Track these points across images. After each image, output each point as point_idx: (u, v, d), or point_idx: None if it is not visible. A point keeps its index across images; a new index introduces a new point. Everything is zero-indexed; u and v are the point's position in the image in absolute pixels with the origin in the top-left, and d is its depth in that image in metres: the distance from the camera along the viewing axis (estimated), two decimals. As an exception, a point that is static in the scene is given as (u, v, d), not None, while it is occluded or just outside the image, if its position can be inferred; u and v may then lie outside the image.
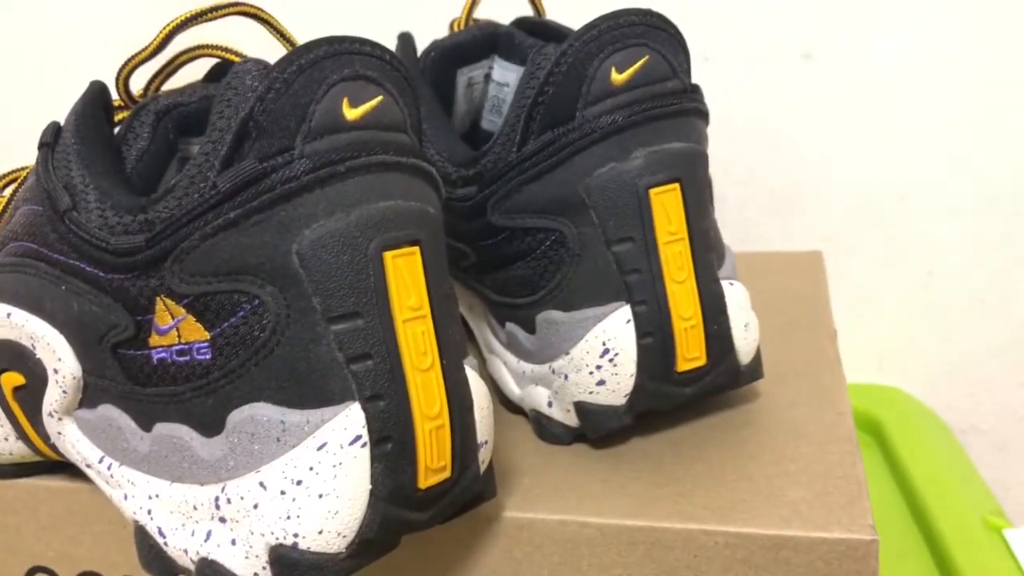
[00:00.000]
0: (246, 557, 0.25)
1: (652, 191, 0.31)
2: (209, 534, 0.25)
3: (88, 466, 0.29)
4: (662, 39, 0.31)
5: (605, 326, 0.31)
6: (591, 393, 0.32)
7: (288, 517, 0.24)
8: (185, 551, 0.26)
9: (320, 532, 0.24)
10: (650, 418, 0.34)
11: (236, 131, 0.24)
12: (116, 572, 0.34)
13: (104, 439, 0.28)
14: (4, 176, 0.34)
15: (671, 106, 0.31)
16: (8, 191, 0.33)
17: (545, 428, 0.34)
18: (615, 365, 0.31)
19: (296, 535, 0.24)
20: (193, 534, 0.26)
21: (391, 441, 0.24)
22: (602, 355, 0.31)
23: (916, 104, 0.55)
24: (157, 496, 0.27)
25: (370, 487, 0.24)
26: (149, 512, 0.27)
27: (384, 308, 0.24)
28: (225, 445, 0.25)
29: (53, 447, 0.30)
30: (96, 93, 0.30)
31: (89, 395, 0.28)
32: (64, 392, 0.28)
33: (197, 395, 0.25)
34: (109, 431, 0.28)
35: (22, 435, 0.31)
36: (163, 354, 0.26)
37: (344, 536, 0.24)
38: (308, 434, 0.24)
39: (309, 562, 0.24)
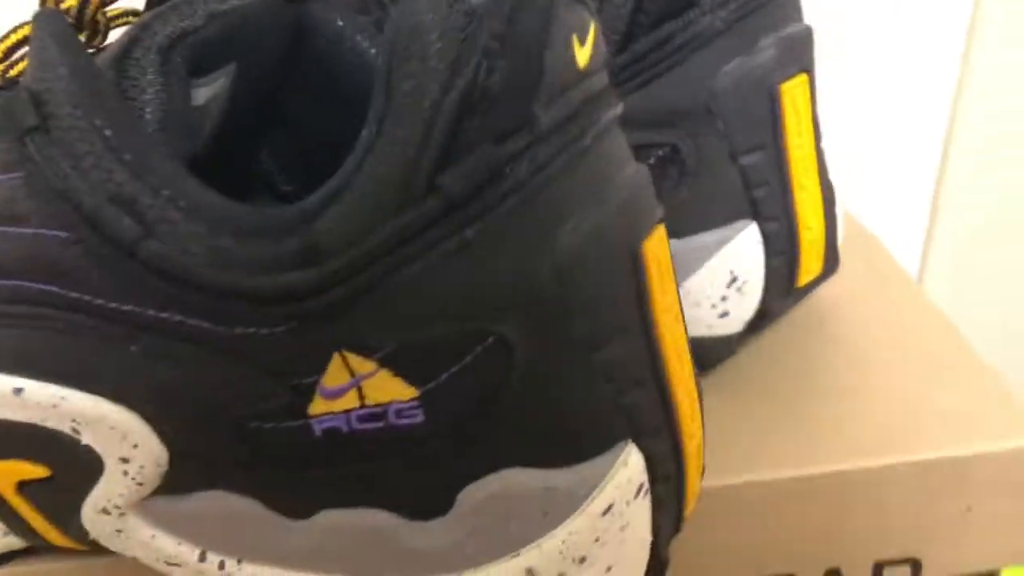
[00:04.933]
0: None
1: (783, 86, 0.26)
2: (438, 640, 0.19)
3: (174, 565, 0.21)
4: None
5: (731, 250, 0.27)
6: (709, 327, 0.28)
7: (570, 605, 0.18)
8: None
9: (608, 611, 0.19)
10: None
11: (457, 105, 0.16)
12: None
13: (209, 532, 0.20)
14: None
15: (790, -22, 0.26)
16: None
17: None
18: (742, 294, 0.27)
19: (581, 624, 0.19)
20: (404, 641, 0.19)
21: (669, 480, 0.19)
22: (729, 284, 0.27)
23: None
24: (327, 598, 0.20)
25: (651, 539, 0.19)
26: (315, 619, 0.20)
27: (649, 321, 0.18)
28: (458, 529, 0.18)
29: (93, 543, 0.22)
30: (68, 29, 0.19)
31: (175, 480, 0.20)
32: (139, 484, 0.19)
33: (404, 471, 0.18)
34: (225, 522, 0.20)
35: (24, 530, 0.22)
36: (334, 423, 0.18)
37: (628, 604, 0.19)
38: (585, 497, 0.18)
39: None
